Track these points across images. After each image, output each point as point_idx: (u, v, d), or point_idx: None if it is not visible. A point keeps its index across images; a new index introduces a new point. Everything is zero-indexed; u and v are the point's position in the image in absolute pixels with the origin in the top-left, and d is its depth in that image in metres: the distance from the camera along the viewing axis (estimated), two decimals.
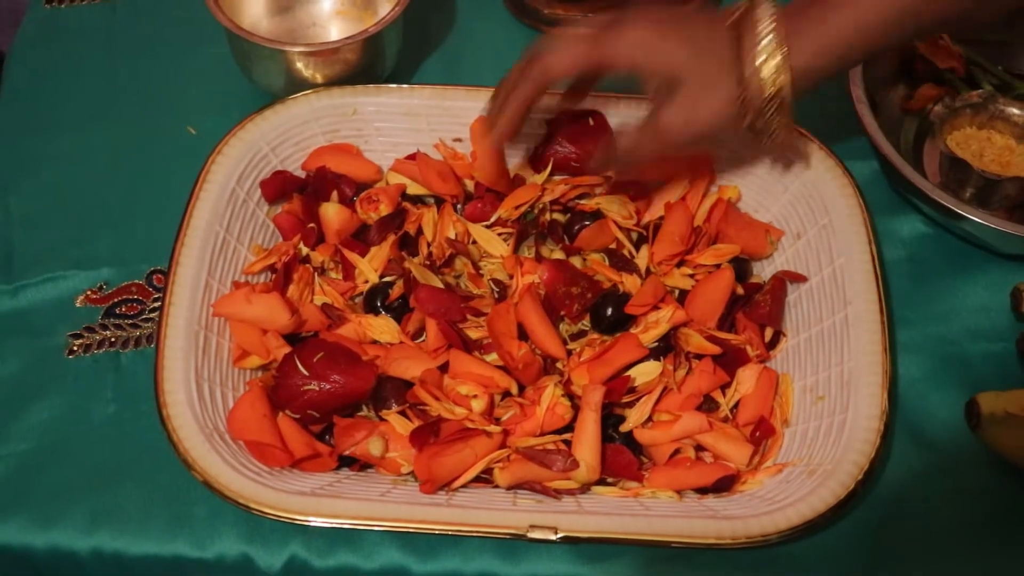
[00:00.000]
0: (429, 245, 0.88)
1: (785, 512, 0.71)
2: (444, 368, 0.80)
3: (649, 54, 0.72)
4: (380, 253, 0.87)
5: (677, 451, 0.78)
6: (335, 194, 0.90)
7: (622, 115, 0.90)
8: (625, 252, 0.87)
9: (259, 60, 0.94)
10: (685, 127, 0.73)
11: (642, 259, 0.86)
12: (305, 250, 0.87)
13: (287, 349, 0.80)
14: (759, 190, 0.90)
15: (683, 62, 0.72)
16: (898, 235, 0.93)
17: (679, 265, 0.86)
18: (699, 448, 0.79)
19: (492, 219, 0.89)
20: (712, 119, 0.73)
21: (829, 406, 0.78)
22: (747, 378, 0.81)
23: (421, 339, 0.84)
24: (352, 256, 0.86)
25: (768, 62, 0.70)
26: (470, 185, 0.92)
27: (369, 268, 0.86)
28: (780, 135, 0.74)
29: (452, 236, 0.87)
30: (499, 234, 0.89)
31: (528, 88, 0.76)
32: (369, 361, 0.81)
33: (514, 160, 0.93)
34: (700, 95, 0.72)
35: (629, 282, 0.84)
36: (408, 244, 0.88)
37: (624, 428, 0.80)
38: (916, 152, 0.98)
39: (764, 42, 0.70)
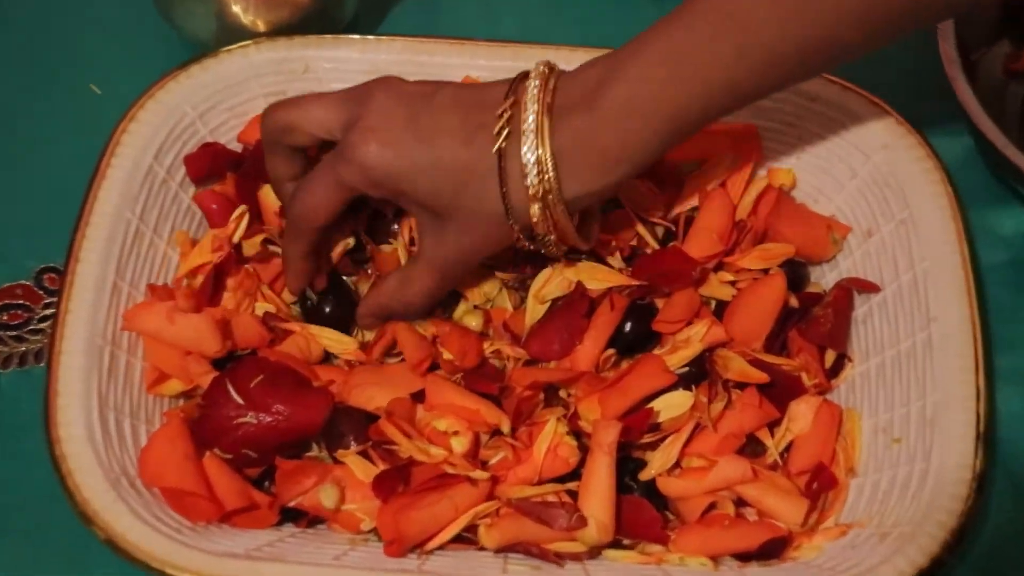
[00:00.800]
0: (412, 230, 0.88)
1: None
2: (419, 397, 0.80)
3: (392, 180, 0.75)
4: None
5: (712, 506, 0.78)
6: None
7: None
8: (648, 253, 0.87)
9: (184, 1, 0.93)
10: (456, 261, 0.78)
11: None
12: (238, 236, 0.87)
13: (215, 373, 0.80)
14: (819, 174, 0.91)
15: (430, 187, 0.74)
16: (998, 233, 0.93)
17: (717, 269, 0.87)
18: (740, 503, 0.79)
19: None
20: (482, 242, 0.77)
21: (908, 451, 0.78)
22: (802, 414, 0.81)
23: (397, 359, 0.84)
24: None
25: (529, 155, 0.71)
26: None
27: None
28: (555, 244, 0.76)
29: None
30: None
31: (300, 245, 0.81)
32: (322, 387, 0.80)
33: None
34: (459, 216, 0.75)
35: None
36: (377, 232, 0.89)
37: (645, 476, 0.79)
38: (1022, 127, 0.98)
39: (527, 145, 0.71)
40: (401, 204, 0.78)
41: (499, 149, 0.72)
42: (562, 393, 0.82)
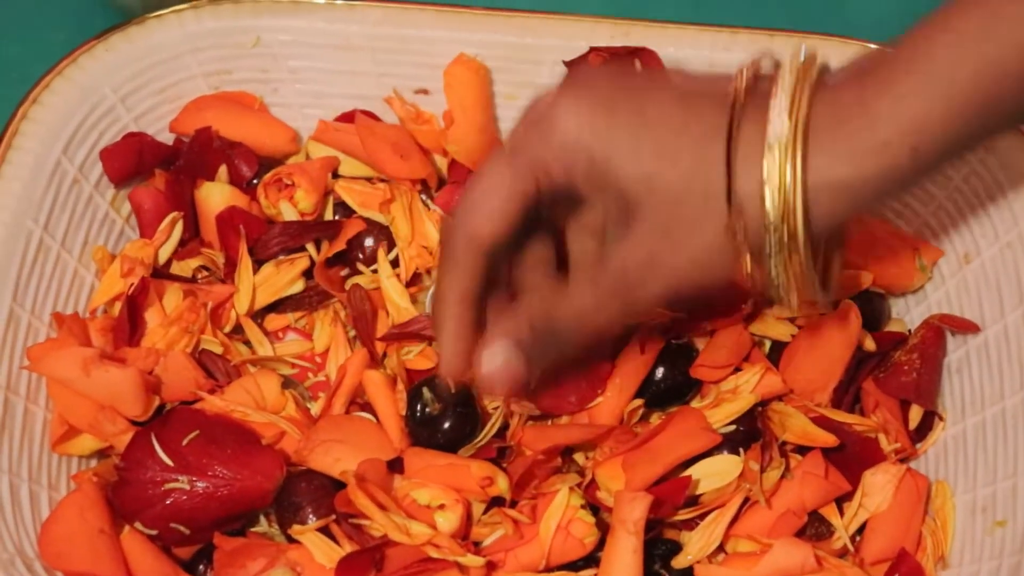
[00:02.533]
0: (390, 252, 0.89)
1: None
2: (395, 464, 0.80)
3: (588, 158, 0.72)
4: (288, 270, 0.87)
5: None
6: (223, 171, 0.91)
7: (686, 55, 0.90)
8: None
9: None
10: (648, 278, 0.71)
11: None
12: (167, 252, 0.88)
13: (136, 429, 0.80)
14: None
15: (640, 170, 0.71)
16: None
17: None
18: None
19: None
20: (689, 265, 0.71)
21: (1014, 536, 0.77)
22: (879, 487, 0.81)
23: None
24: (244, 267, 0.87)
25: (772, 172, 0.69)
26: (442, 164, 0.93)
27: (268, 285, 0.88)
28: (789, 292, 0.70)
29: (436, 237, 0.88)
30: None
31: (460, 279, 0.74)
32: (272, 446, 0.80)
33: (511, 122, 0.93)
34: (670, 225, 0.72)
35: None
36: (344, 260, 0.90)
37: (680, 563, 0.79)
38: None
39: (773, 137, 0.69)
40: (587, 193, 0.72)
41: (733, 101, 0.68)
42: (578, 456, 0.82)
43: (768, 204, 0.66)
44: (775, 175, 0.66)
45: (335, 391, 0.83)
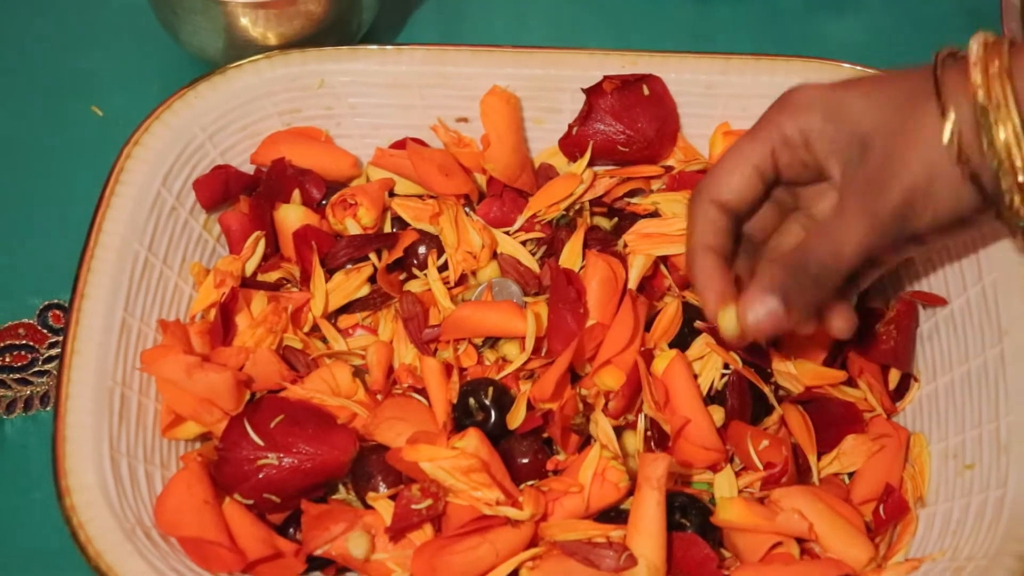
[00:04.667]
0: (438, 257, 0.90)
1: None
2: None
3: (823, 110, 0.73)
4: (355, 276, 0.88)
5: (777, 544, 0.79)
6: (297, 195, 0.92)
7: (686, 80, 0.91)
8: None
9: (188, 14, 0.95)
10: (884, 209, 0.70)
11: None
12: (253, 265, 0.89)
13: (231, 417, 0.81)
14: None
15: (870, 106, 0.72)
16: None
17: None
18: (801, 539, 0.79)
19: (516, 225, 0.91)
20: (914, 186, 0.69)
21: (981, 477, 0.78)
22: (854, 451, 0.83)
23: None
24: (317, 276, 0.88)
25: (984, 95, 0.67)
26: (482, 181, 0.94)
27: (339, 290, 0.89)
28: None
29: (479, 244, 0.89)
30: (523, 243, 0.91)
31: (703, 234, 0.76)
32: (346, 424, 0.82)
33: (540, 144, 0.95)
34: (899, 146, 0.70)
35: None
36: (402, 266, 0.91)
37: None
38: None
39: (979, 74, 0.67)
40: (820, 152, 0.74)
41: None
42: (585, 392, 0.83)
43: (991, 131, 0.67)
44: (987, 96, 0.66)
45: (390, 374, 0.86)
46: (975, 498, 0.77)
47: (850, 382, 0.86)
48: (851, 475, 0.83)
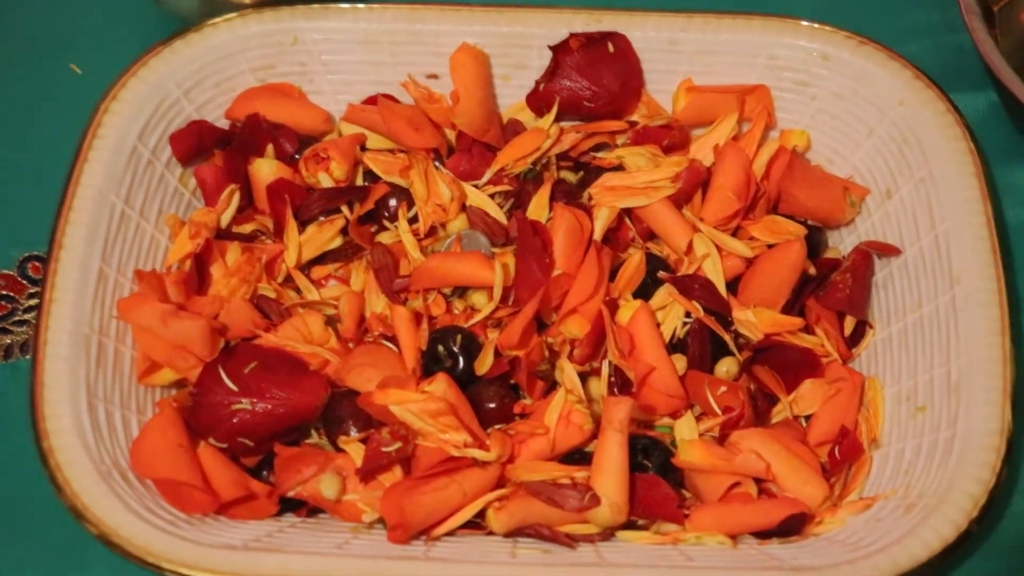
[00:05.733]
0: (409, 210, 0.89)
1: (874, 561, 0.71)
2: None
3: None
4: (328, 228, 0.88)
5: (736, 484, 0.79)
6: (270, 149, 0.91)
7: (650, 37, 0.91)
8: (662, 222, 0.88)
9: None
10: None
11: (681, 233, 0.86)
12: (227, 217, 0.89)
13: (205, 363, 0.81)
14: (834, 134, 0.91)
15: None
16: (1022, 191, 0.94)
17: (734, 233, 0.88)
18: (759, 479, 0.80)
19: (484, 178, 0.91)
20: None
21: (932, 419, 0.78)
22: (810, 395, 0.83)
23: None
24: (290, 228, 0.88)
25: None
26: (451, 136, 0.94)
27: (312, 242, 0.88)
28: None
29: (448, 197, 0.89)
30: (491, 196, 0.90)
31: None
32: (318, 370, 0.82)
33: (508, 99, 0.95)
34: None
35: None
36: (373, 219, 0.90)
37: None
38: None
39: None
40: None
41: None
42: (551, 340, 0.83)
43: None
44: None
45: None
46: (926, 439, 0.78)
47: (807, 329, 0.86)
48: (808, 418, 0.84)
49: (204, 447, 0.79)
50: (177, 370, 0.82)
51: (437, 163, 0.92)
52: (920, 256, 0.84)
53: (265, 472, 0.81)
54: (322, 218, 0.89)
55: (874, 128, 0.89)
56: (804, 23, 0.90)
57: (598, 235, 0.85)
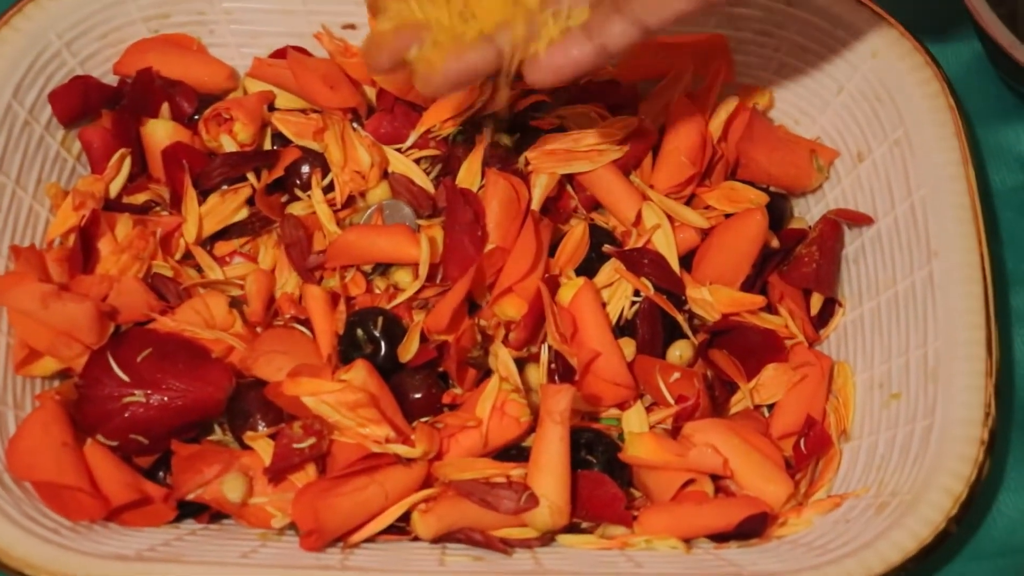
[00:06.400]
0: (324, 177, 0.90)
1: (843, 566, 0.72)
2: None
3: None
4: (232, 199, 0.88)
5: (690, 482, 0.80)
6: (166, 109, 0.91)
7: None
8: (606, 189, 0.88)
9: None
10: None
11: (628, 202, 0.87)
12: (117, 186, 0.88)
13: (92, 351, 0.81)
14: (800, 91, 0.92)
15: None
16: (1012, 151, 0.95)
17: (688, 202, 0.89)
18: (716, 476, 0.81)
19: (409, 141, 0.91)
20: None
21: (907, 407, 0.79)
22: (772, 382, 0.84)
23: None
24: (189, 198, 0.88)
25: None
26: (371, 93, 0.94)
27: (214, 214, 0.88)
28: None
29: (368, 162, 0.89)
30: (416, 161, 0.91)
31: None
32: (221, 358, 0.82)
33: None
34: None
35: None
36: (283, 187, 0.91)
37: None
38: None
39: None
40: None
41: None
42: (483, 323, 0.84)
43: None
44: None
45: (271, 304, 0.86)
46: (901, 430, 0.79)
47: (770, 308, 0.87)
48: (771, 407, 0.85)
49: (91, 445, 0.78)
50: (60, 359, 0.82)
51: (355, 124, 0.92)
52: (895, 227, 0.85)
53: (161, 473, 0.81)
54: (225, 187, 0.89)
55: (844, 84, 0.90)
56: None
57: (536, 205, 0.86)
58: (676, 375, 0.82)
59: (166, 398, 0.78)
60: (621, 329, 0.84)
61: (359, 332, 0.82)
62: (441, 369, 0.83)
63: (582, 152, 0.87)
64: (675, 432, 0.81)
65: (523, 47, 0.69)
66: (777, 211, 0.89)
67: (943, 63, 0.87)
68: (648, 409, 0.82)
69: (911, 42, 0.87)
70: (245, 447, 0.80)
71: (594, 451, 0.81)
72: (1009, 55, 0.88)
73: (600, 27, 0.69)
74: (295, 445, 0.77)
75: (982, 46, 0.95)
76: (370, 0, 0.73)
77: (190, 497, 0.78)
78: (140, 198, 0.89)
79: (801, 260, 0.86)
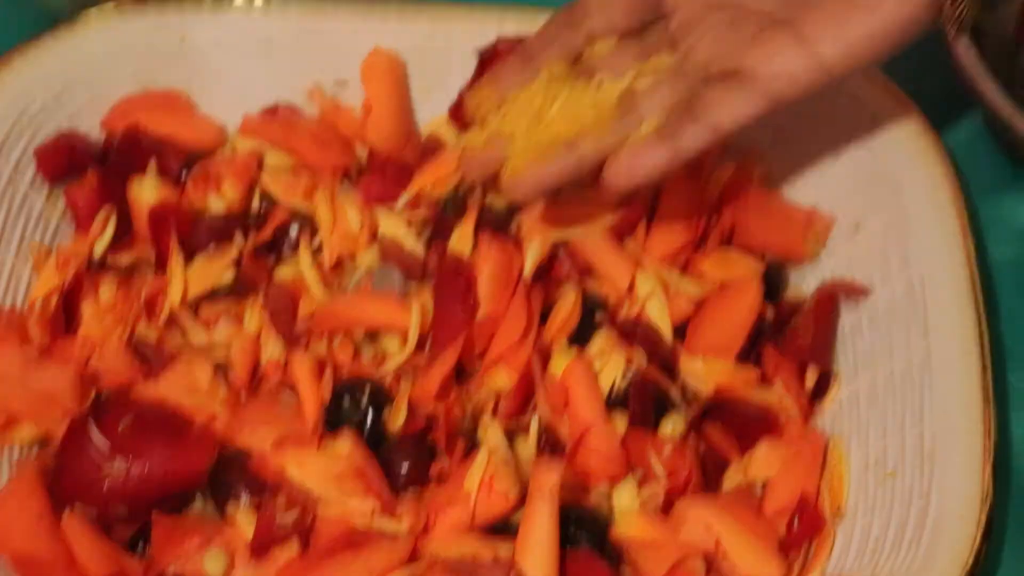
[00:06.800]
0: (312, 239, 0.89)
1: None
2: None
3: None
4: (219, 260, 0.87)
5: (682, 561, 0.78)
6: (153, 167, 0.91)
7: None
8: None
9: None
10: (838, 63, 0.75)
11: (622, 269, 0.87)
12: (102, 246, 0.88)
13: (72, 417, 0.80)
14: (796, 158, 0.92)
15: None
16: (1012, 225, 0.95)
17: (682, 270, 0.88)
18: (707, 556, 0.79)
19: (399, 203, 0.91)
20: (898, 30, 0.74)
21: (903, 488, 0.78)
22: (765, 461, 0.83)
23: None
24: (175, 260, 0.87)
25: None
26: (362, 153, 0.94)
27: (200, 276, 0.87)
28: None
29: (358, 225, 0.89)
30: (407, 224, 0.90)
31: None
32: (204, 427, 0.81)
33: (427, 112, 0.95)
34: None
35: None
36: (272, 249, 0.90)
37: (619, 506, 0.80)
38: None
39: None
40: None
41: None
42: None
43: None
44: None
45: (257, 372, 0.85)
46: (896, 511, 0.78)
47: (764, 381, 0.86)
48: (764, 484, 0.84)
49: (69, 516, 0.77)
50: (39, 426, 0.81)
51: (346, 184, 0.92)
52: (892, 301, 0.84)
53: (141, 545, 0.80)
54: (212, 248, 0.88)
55: (841, 152, 0.90)
56: None
57: (528, 272, 0.85)
58: (668, 449, 0.81)
59: (147, 468, 0.77)
60: (613, 401, 0.83)
61: (346, 400, 0.81)
62: (429, 440, 0.82)
63: (576, 218, 0.87)
64: (667, 507, 0.80)
65: (603, 153, 0.74)
66: (772, 281, 0.89)
67: (942, 133, 0.87)
68: (639, 484, 0.81)
69: (910, 112, 0.87)
70: (227, 520, 0.79)
71: (583, 528, 0.79)
72: (1009, 125, 0.88)
73: (674, 132, 0.73)
74: (279, 518, 0.76)
75: (982, 116, 0.95)
76: (471, 115, 0.78)
77: (170, 571, 0.77)
78: (125, 259, 0.89)
79: (796, 332, 0.85)
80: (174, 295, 0.87)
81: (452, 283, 0.83)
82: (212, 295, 0.89)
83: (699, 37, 0.77)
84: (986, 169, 0.96)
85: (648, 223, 0.88)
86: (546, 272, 0.88)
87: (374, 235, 0.89)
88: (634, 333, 0.84)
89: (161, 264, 0.88)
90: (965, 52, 0.91)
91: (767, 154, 0.92)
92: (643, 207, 0.88)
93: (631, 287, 0.86)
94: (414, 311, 0.83)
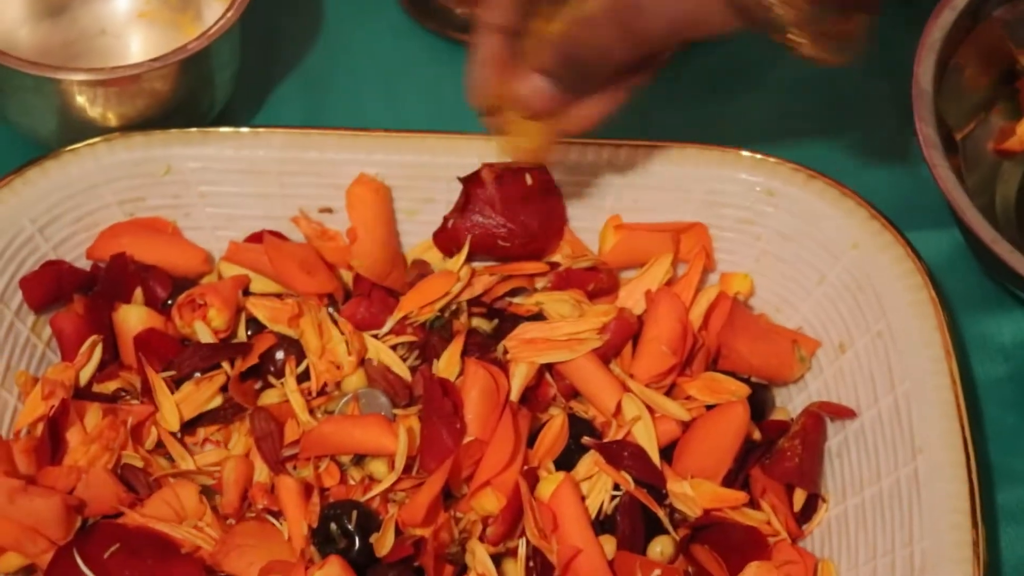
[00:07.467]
0: (298, 364, 0.90)
1: None
2: None
3: None
4: (206, 386, 0.88)
5: None
6: (139, 294, 0.92)
7: (573, 168, 0.93)
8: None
9: (16, 92, 0.95)
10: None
11: (608, 392, 0.87)
12: (88, 374, 0.89)
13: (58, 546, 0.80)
14: (781, 280, 0.93)
15: None
16: (996, 342, 0.96)
17: (668, 392, 0.89)
18: None
19: (386, 328, 0.91)
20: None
21: None
22: (759, 575, 0.82)
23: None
24: (160, 387, 0.87)
25: None
26: (348, 278, 0.94)
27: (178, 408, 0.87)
28: (799, 34, 0.71)
29: (344, 350, 0.89)
30: (393, 348, 0.91)
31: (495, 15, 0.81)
32: (191, 553, 0.81)
33: (414, 237, 0.96)
34: None
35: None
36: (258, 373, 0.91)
37: None
38: (1021, 217, 1.01)
39: None
40: None
41: None
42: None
43: None
44: None
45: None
46: None
47: (752, 503, 0.86)
48: None
49: None
50: (25, 555, 0.81)
51: (331, 310, 0.92)
52: (878, 420, 0.85)
53: None
54: (199, 375, 0.89)
55: (825, 274, 0.91)
56: (745, 154, 0.92)
57: (515, 396, 0.86)
58: (657, 572, 0.81)
59: None
60: (601, 523, 0.84)
61: (333, 525, 0.82)
62: (417, 565, 0.81)
63: (561, 341, 0.88)
64: None
65: None
66: (759, 402, 0.89)
67: (924, 253, 0.88)
68: None
69: (892, 234, 0.89)
70: None
71: None
72: (989, 249, 0.89)
73: None
74: None
75: (963, 238, 0.96)
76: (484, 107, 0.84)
77: None
78: (111, 386, 0.89)
79: (784, 454, 0.86)
80: (170, 422, 0.87)
81: (439, 407, 0.83)
82: (199, 420, 0.89)
83: None
84: (969, 288, 0.97)
85: (634, 346, 0.89)
86: (532, 394, 0.89)
87: (360, 360, 0.90)
88: (621, 456, 0.84)
89: (146, 392, 0.88)
90: (944, 175, 0.92)
91: (752, 276, 0.94)
92: (629, 331, 0.89)
93: (618, 410, 0.86)
94: (401, 435, 0.83)
